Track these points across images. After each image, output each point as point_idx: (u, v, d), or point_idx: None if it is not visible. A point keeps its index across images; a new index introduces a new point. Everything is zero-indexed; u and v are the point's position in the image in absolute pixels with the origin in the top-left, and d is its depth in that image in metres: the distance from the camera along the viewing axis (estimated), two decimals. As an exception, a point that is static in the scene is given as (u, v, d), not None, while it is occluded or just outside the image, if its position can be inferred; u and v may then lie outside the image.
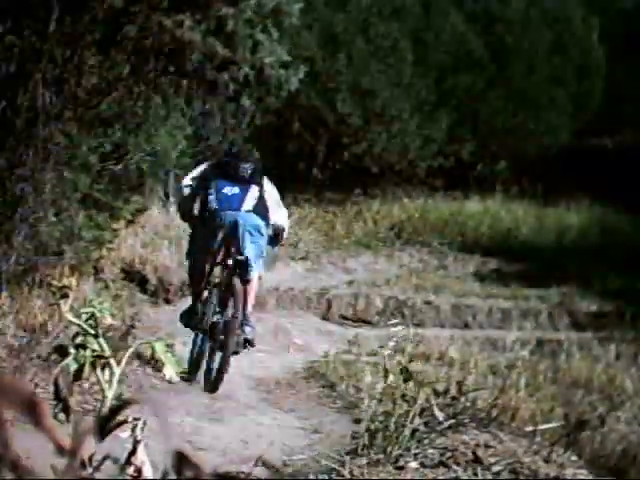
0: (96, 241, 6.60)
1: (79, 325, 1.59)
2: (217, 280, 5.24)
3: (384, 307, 9.02)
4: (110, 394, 1.48)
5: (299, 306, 8.79)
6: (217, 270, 5.27)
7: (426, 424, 3.60)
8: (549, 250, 11.61)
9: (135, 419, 1.39)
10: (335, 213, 12.54)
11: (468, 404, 4.12)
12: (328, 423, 4.86)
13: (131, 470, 1.33)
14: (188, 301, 5.71)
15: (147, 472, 1.34)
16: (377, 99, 12.67)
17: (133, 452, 1.35)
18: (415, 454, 3.30)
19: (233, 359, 5.17)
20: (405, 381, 3.56)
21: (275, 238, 5.42)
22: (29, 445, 1.28)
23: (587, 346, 8.37)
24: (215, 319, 5.16)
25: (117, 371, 1.52)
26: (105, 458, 1.27)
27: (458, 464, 3.14)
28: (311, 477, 3.35)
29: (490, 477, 3.04)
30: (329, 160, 13.26)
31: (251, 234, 5.04)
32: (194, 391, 5.17)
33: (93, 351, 1.55)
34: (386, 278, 10.07)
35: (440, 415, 3.61)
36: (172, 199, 10.06)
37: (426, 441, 3.43)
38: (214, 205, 5.06)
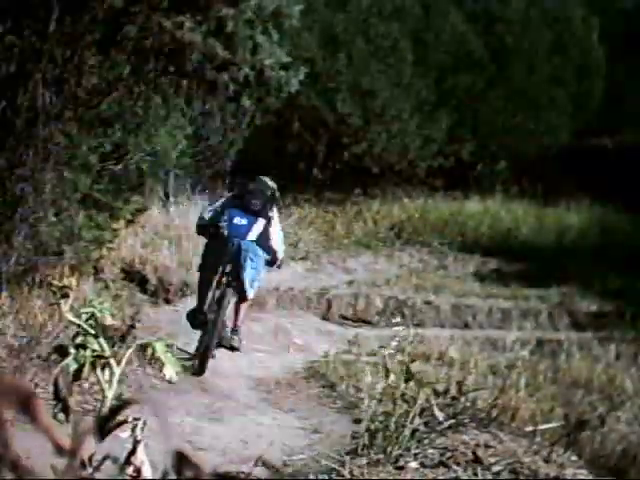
0: (96, 241, 6.61)
1: (79, 325, 1.59)
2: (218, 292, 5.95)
3: (384, 307, 9.02)
4: (110, 394, 1.48)
5: (299, 306, 8.79)
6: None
7: (426, 424, 3.60)
8: (549, 250, 11.60)
9: (135, 419, 1.38)
10: (335, 213, 12.53)
11: (468, 404, 4.12)
12: (328, 423, 4.87)
13: (131, 470, 1.33)
14: (188, 301, 5.97)
15: (147, 472, 1.34)
16: (377, 99, 12.67)
17: (133, 452, 1.35)
18: (415, 454, 3.30)
19: (233, 359, 5.19)
20: (406, 381, 3.56)
21: (273, 263, 6.19)
22: (29, 445, 1.28)
23: (587, 346, 8.37)
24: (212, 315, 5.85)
25: (117, 371, 1.52)
26: (105, 458, 1.27)
27: (458, 464, 3.14)
28: (311, 477, 3.35)
29: (490, 477, 3.04)
30: (329, 160, 13.25)
31: (252, 260, 5.86)
32: (194, 391, 5.18)
33: (93, 351, 1.55)
34: (386, 278, 10.07)
35: (440, 415, 3.61)
36: (172, 199, 10.07)
37: (426, 441, 3.43)
38: (225, 231, 5.87)
